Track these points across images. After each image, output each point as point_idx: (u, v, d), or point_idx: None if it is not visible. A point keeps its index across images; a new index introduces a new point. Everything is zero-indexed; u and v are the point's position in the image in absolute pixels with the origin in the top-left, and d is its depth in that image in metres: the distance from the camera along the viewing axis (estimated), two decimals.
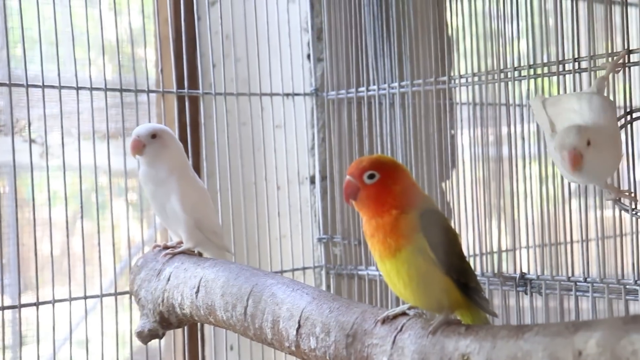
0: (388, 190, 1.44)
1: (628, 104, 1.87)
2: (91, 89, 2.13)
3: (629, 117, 1.87)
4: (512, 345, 1.33)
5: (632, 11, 2.06)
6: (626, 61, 1.85)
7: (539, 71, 2.01)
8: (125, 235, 2.21)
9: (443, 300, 1.44)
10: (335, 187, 2.55)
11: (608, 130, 1.71)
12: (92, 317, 2.20)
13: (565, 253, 2.05)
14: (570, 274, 2.03)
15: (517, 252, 2.20)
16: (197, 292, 1.84)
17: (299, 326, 1.61)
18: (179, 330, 2.37)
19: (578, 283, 1.99)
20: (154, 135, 1.96)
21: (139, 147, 1.94)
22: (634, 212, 1.87)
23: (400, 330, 1.47)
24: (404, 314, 1.48)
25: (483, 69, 2.14)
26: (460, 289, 1.45)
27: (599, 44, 1.94)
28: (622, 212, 1.89)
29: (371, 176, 1.45)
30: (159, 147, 1.96)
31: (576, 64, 1.94)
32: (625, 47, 1.85)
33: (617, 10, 1.99)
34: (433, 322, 1.42)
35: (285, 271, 2.46)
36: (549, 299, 2.06)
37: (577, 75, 1.95)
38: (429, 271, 1.42)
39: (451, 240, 1.46)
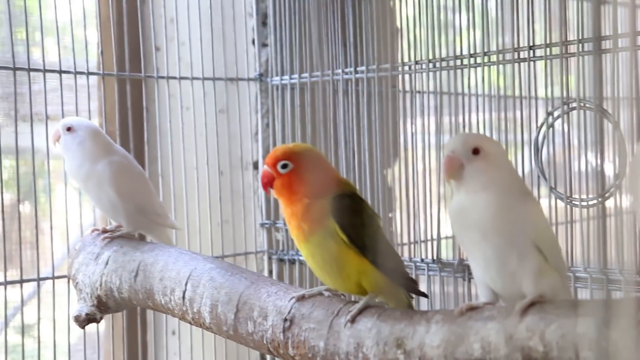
0: (300, 178, 1.51)
1: (565, 94, 1.91)
2: (29, 70, 2.10)
3: (566, 107, 1.90)
4: (445, 329, 1.36)
5: (571, 4, 2.09)
6: (564, 52, 1.89)
7: (493, 58, 2.02)
8: (66, 219, 2.18)
9: (361, 282, 1.49)
10: None
11: None
12: (33, 302, 2.18)
13: None
14: None
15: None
16: (136, 276, 1.83)
17: (237, 310, 1.61)
18: (119, 316, 2.36)
19: None
20: (68, 128, 1.94)
21: (56, 138, 1.95)
22: (568, 201, 1.91)
23: (337, 314, 1.49)
24: (320, 294, 1.54)
25: (433, 57, 2.15)
26: (381, 270, 1.49)
27: (555, 33, 1.97)
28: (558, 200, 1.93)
29: (284, 166, 1.52)
30: (74, 139, 1.94)
31: (532, 51, 1.96)
32: (564, 38, 1.89)
33: (570, 2, 2.02)
34: (352, 308, 1.45)
35: (227, 256, 2.46)
36: None
37: (532, 63, 1.97)
38: (342, 253, 1.48)
39: (364, 222, 1.52)
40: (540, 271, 1.36)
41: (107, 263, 1.91)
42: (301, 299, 1.54)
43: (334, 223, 1.49)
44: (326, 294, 1.55)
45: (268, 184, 1.54)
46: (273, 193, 1.56)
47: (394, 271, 1.52)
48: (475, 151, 1.39)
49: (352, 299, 1.63)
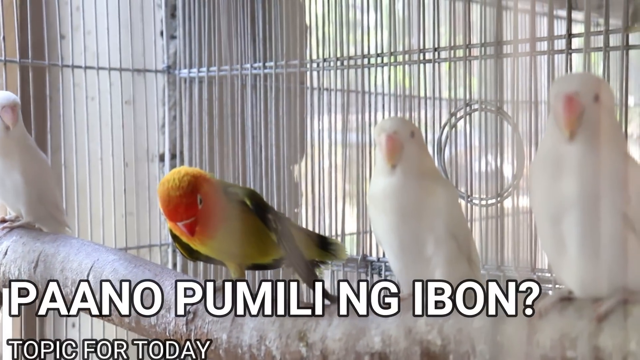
0: (211, 205, 1.47)
1: (468, 96, 1.96)
2: None
3: (468, 109, 1.96)
4: (347, 323, 1.38)
5: (475, 8, 2.15)
6: (467, 54, 1.94)
7: (399, 59, 2.06)
8: None
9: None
10: (185, 165, 2.53)
11: None
12: None
13: None
14: None
15: (362, 235, 2.27)
16: (36, 266, 1.80)
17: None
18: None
19: None
20: (15, 105, 1.89)
21: (15, 118, 1.87)
22: (468, 200, 1.97)
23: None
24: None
25: (341, 55, 2.17)
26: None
27: (459, 36, 2.01)
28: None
29: (200, 201, 1.46)
30: (18, 118, 1.90)
31: (436, 53, 2.01)
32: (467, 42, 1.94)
33: (474, 6, 2.07)
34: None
35: (131, 248, 2.43)
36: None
37: (436, 64, 2.02)
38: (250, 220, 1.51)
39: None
40: (455, 259, 1.38)
41: (5, 253, 1.86)
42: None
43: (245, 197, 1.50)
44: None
45: (192, 231, 1.48)
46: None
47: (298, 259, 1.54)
48: (413, 134, 1.38)
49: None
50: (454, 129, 2.01)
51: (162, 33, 2.59)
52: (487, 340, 1.23)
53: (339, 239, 2.19)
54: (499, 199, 1.90)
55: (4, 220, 1.97)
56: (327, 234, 2.25)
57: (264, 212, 1.52)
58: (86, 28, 2.42)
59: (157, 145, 2.59)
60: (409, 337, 1.31)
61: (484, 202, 1.93)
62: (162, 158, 2.60)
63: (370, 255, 2.17)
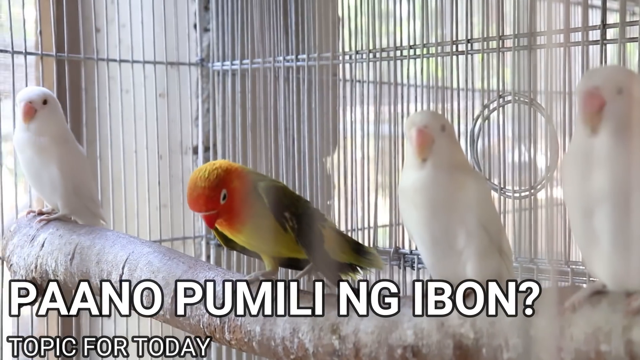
0: (237, 201, 1.51)
1: (501, 87, 1.95)
2: None
3: (501, 100, 1.95)
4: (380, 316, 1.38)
5: None
6: (501, 46, 1.93)
7: (432, 50, 2.05)
8: (0, 201, 2.15)
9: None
10: (218, 158, 2.55)
11: None
12: None
13: None
14: None
15: (394, 227, 2.26)
16: (72, 259, 1.82)
17: (175, 294, 1.61)
18: None
19: None
20: (45, 101, 1.92)
21: (32, 113, 1.90)
22: (502, 192, 1.95)
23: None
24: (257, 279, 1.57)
25: (373, 47, 2.17)
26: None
27: (492, 27, 2.00)
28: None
29: (224, 196, 1.50)
30: (49, 114, 1.93)
31: (469, 45, 2.00)
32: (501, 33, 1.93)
33: None
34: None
35: (165, 240, 2.45)
36: (425, 273, 2.12)
37: (469, 56, 2.00)
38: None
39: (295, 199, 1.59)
40: (487, 252, 1.37)
41: (42, 245, 1.89)
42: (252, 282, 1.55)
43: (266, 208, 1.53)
44: (261, 278, 1.57)
45: (213, 222, 1.52)
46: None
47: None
48: (443, 128, 1.37)
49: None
50: (486, 120, 2.00)
51: (195, 26, 2.61)
52: (520, 333, 1.23)
53: (371, 231, 2.19)
54: (532, 190, 1.89)
55: (41, 213, 1.99)
56: (359, 226, 2.25)
57: (279, 211, 1.54)
58: (121, 21, 2.44)
59: (191, 137, 2.61)
60: (441, 330, 1.31)
61: (517, 194, 1.92)
62: (195, 151, 2.62)
63: (403, 247, 2.17)
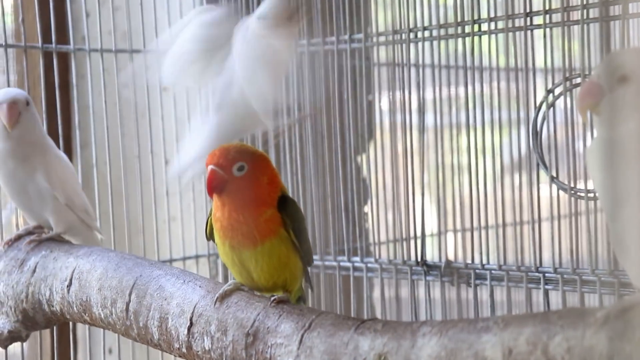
0: (257, 182, 1.60)
1: (567, 67, 1.94)
2: None
3: (568, 84, 1.93)
4: (434, 343, 1.39)
5: None
6: (566, 19, 1.92)
7: (484, 27, 2.05)
8: None
9: (292, 281, 1.67)
10: None
11: None
12: None
13: (504, 238, 2.07)
14: (502, 263, 2.08)
15: (444, 236, 2.25)
16: (70, 285, 1.84)
17: (191, 324, 1.63)
18: (47, 333, 2.36)
19: (511, 273, 2.05)
20: (28, 102, 1.93)
21: (17, 117, 1.90)
22: (572, 192, 1.95)
23: (309, 328, 1.51)
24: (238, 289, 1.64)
25: (414, 26, 2.17)
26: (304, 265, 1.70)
27: None
28: (560, 191, 1.96)
29: (240, 168, 1.58)
30: (31, 117, 1.93)
31: (529, 19, 1.99)
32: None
33: None
34: (274, 296, 1.59)
35: (175, 260, 2.47)
36: (482, 290, 2.11)
37: (529, 32, 1.99)
38: (291, 258, 1.64)
39: (305, 226, 1.69)
40: None
41: (34, 271, 1.91)
42: (222, 298, 1.62)
43: (290, 230, 1.62)
44: (245, 288, 1.65)
45: (219, 187, 1.59)
46: (216, 196, 1.61)
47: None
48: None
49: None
50: (551, 108, 1.99)
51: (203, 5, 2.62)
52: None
53: (418, 241, 2.17)
54: None
55: (31, 233, 2.00)
56: (403, 236, 2.23)
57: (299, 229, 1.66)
58: (114, 3, 2.44)
59: None
60: (508, 359, 1.31)
61: (590, 195, 1.91)
62: None
63: (456, 260, 2.16)
